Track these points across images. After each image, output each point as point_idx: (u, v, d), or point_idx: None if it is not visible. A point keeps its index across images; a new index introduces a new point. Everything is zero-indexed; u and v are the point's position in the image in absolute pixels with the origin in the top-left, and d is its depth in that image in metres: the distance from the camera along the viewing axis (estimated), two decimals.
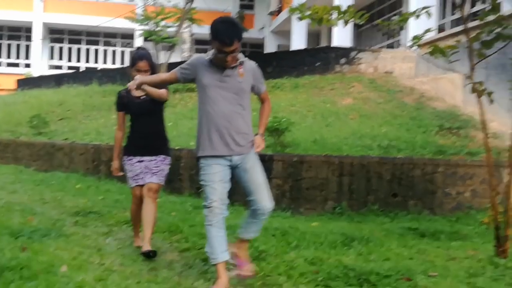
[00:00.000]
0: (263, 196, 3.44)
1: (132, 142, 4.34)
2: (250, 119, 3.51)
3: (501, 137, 8.00)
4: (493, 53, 4.38)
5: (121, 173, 4.39)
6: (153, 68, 4.29)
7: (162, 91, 4.14)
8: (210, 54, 3.38)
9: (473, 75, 4.37)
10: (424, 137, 7.89)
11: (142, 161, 4.28)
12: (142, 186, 4.27)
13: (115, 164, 4.42)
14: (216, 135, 3.36)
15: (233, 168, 3.45)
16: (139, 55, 4.27)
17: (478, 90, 4.28)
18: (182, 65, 3.52)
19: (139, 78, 3.77)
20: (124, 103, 4.34)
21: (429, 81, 11.00)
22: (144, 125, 4.28)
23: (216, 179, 3.35)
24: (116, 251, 4.25)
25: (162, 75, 3.83)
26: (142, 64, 4.21)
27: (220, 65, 3.34)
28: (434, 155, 7.08)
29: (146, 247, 4.01)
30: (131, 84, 3.70)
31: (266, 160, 6.68)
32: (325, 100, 10.24)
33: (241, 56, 3.40)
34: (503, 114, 8.59)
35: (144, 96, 4.23)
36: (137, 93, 4.11)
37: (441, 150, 7.24)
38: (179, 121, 10.25)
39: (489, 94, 4.33)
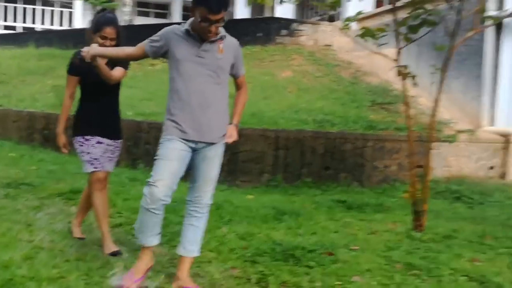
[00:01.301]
0: (207, 193, 3.06)
1: (88, 119, 3.63)
2: (227, 103, 3.03)
3: (427, 113, 8.35)
4: (419, 38, 4.52)
5: (69, 148, 3.70)
6: (119, 37, 3.61)
7: (116, 73, 3.53)
8: (186, 24, 2.91)
9: (399, 58, 4.51)
10: (357, 112, 8.11)
11: (101, 143, 3.64)
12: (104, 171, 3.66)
13: (61, 138, 3.68)
14: (188, 116, 2.89)
15: (192, 151, 2.98)
16: (106, 20, 3.59)
17: (402, 73, 4.43)
18: (152, 37, 2.99)
19: (95, 48, 3.19)
20: (81, 68, 3.54)
21: (365, 55, 11.20)
22: (103, 100, 3.65)
23: (172, 157, 2.88)
24: (47, 227, 4.14)
25: (127, 49, 3.16)
26: (110, 31, 3.54)
27: (200, 36, 2.86)
28: (365, 130, 7.31)
29: (113, 247, 3.59)
30: (85, 52, 3.12)
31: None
32: (265, 72, 10.26)
33: (222, 30, 2.94)
34: (432, 89, 8.92)
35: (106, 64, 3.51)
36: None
37: (371, 125, 7.48)
38: None
39: (413, 77, 4.49)
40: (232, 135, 3.01)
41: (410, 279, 3.33)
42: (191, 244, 3.08)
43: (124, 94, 9.58)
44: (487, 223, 5.03)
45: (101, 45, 3.41)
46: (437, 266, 3.56)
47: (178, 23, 3.14)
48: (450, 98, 8.65)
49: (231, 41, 3.01)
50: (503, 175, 7.41)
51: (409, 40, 4.55)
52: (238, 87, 3.19)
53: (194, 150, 2.95)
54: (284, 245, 3.78)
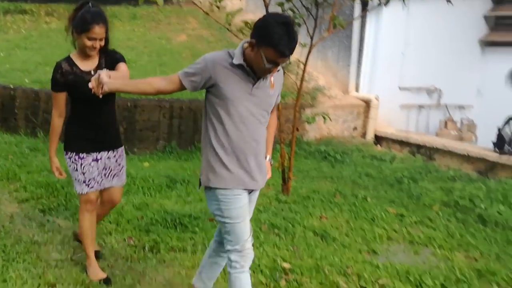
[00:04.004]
0: (250, 241, 2.65)
1: (82, 135, 3.09)
2: None
3: (309, 81, 9.25)
4: None
5: (64, 174, 3.20)
6: (107, 35, 3.00)
7: (124, 73, 2.97)
8: (236, 56, 2.42)
9: None
10: None
11: (98, 159, 3.14)
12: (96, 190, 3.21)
13: (54, 162, 3.15)
14: (244, 165, 2.52)
15: None
16: (93, 16, 2.90)
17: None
18: (190, 69, 2.46)
19: (111, 82, 2.48)
20: (69, 81, 2.98)
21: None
22: (98, 112, 3.06)
23: (245, 214, 2.55)
24: None
25: (155, 82, 2.51)
26: (99, 30, 2.90)
27: (258, 73, 2.42)
28: None
29: (100, 273, 3.24)
30: (95, 86, 2.50)
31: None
32: (161, 36, 10.48)
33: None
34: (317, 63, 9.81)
35: (94, 72, 2.98)
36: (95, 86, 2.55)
37: None
38: (11, 51, 9.66)
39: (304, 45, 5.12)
40: (268, 172, 2.77)
41: (271, 237, 4.17)
42: (210, 281, 2.92)
43: (20, 58, 9.38)
44: (341, 182, 6.05)
45: (88, 47, 2.93)
46: (293, 225, 4.44)
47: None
48: (326, 65, 9.61)
49: (279, 72, 2.62)
50: (363, 135, 8.60)
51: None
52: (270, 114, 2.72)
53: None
54: (174, 214, 4.43)
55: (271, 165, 2.80)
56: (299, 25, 5.01)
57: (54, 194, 4.84)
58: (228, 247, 2.55)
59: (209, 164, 2.53)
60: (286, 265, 3.60)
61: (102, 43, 2.95)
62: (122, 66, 3.00)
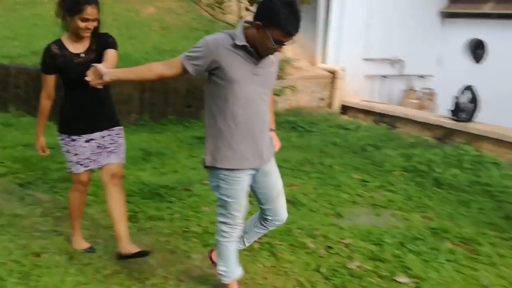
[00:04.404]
0: (282, 205, 2.80)
1: (74, 118, 3.08)
2: None
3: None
4: None
5: (48, 152, 3.27)
6: (99, 16, 2.97)
7: (112, 60, 2.92)
8: (237, 37, 2.41)
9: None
10: None
11: (91, 139, 3.11)
12: (91, 170, 3.22)
13: (40, 140, 3.20)
14: (250, 144, 2.54)
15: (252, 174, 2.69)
16: None
17: None
18: (192, 52, 2.42)
19: (109, 71, 2.52)
20: (58, 64, 2.97)
21: None
22: (89, 94, 2.94)
23: (243, 194, 2.64)
24: None
25: (156, 68, 2.49)
26: (92, 10, 2.86)
27: (257, 51, 2.42)
28: None
29: (133, 247, 3.12)
30: (93, 78, 2.52)
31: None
32: (129, 8, 10.35)
33: None
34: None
35: (84, 54, 2.98)
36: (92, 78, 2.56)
37: None
38: None
39: None
40: (276, 143, 2.84)
41: None
42: (249, 243, 3.03)
43: None
44: (309, 151, 6.30)
45: (82, 29, 2.89)
46: None
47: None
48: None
49: None
50: (330, 105, 8.86)
51: (248, 10, 5.36)
52: None
53: (254, 173, 2.67)
54: (150, 185, 4.60)
55: (275, 133, 2.84)
56: None
57: (31, 169, 4.93)
58: (220, 218, 2.68)
59: (215, 146, 2.53)
60: None
61: (96, 24, 2.93)
62: (110, 52, 2.95)
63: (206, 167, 2.63)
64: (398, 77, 9.47)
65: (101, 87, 2.56)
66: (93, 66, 2.55)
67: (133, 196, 4.38)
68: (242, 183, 2.59)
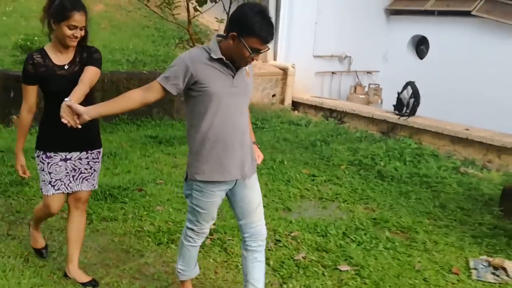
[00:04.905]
0: (258, 220, 2.72)
1: (51, 133, 2.87)
2: None
3: None
4: (207, 10, 5.47)
5: (28, 174, 3.02)
6: (86, 26, 2.81)
7: (89, 77, 2.75)
8: (212, 51, 2.44)
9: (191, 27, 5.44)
10: (166, 50, 8.90)
11: (68, 159, 2.92)
12: (62, 194, 3.00)
13: (19, 159, 2.97)
14: (231, 156, 2.55)
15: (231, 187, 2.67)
16: (72, 3, 2.72)
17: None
18: (169, 73, 2.43)
19: (88, 109, 2.39)
20: (40, 74, 2.79)
21: None
22: None
23: (215, 207, 2.67)
24: None
25: (135, 96, 2.46)
26: (80, 18, 2.70)
27: (239, 64, 2.48)
28: None
29: (84, 277, 3.09)
30: (70, 118, 2.38)
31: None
32: None
33: None
34: None
35: (67, 66, 2.82)
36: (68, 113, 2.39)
37: None
38: None
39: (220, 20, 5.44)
40: (259, 155, 2.82)
41: None
42: (260, 282, 2.81)
43: None
44: (261, 147, 6.46)
45: (69, 37, 2.73)
46: None
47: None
48: None
49: None
50: (282, 101, 9.12)
51: (197, 11, 5.50)
52: None
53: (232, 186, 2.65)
54: (104, 186, 4.66)
55: (258, 147, 2.84)
56: (216, 2, 5.30)
57: None
58: (188, 224, 2.74)
59: (195, 158, 2.56)
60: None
61: (83, 32, 2.76)
62: (90, 71, 2.77)
63: (186, 179, 2.66)
64: (346, 73, 9.84)
65: (80, 126, 2.40)
66: (67, 105, 2.37)
67: None
68: (215, 197, 2.61)
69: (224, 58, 2.44)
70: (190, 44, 9.51)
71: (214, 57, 2.43)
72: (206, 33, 9.98)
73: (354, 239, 4.00)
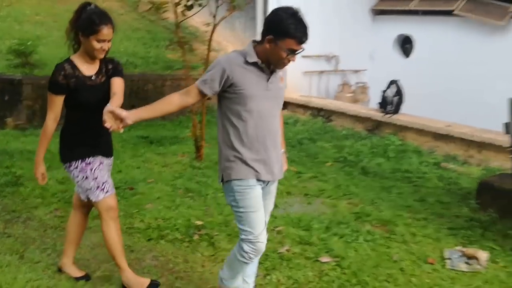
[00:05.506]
0: (264, 228, 2.74)
1: (82, 141, 2.95)
2: None
3: (219, 50, 9.70)
4: (192, 14, 5.62)
5: (46, 180, 3.10)
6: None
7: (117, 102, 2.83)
8: (248, 54, 2.55)
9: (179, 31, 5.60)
10: (156, 52, 9.05)
11: (102, 163, 3.03)
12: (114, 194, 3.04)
13: (40, 167, 3.03)
14: (263, 158, 2.63)
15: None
16: (101, 17, 2.80)
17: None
18: (206, 76, 2.54)
19: (130, 113, 2.50)
20: (70, 85, 2.85)
21: None
22: (96, 117, 2.67)
23: (259, 206, 2.64)
24: None
25: (175, 99, 2.59)
26: (108, 31, 2.80)
27: (276, 66, 2.58)
28: (163, 70, 8.38)
29: (77, 272, 3.25)
30: (114, 123, 2.49)
31: (15, 84, 7.05)
32: (70, 8, 10.06)
33: None
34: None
35: (94, 76, 2.93)
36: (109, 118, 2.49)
37: (169, 65, 8.55)
38: None
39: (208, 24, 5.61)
40: (285, 165, 2.91)
41: (186, 200, 4.73)
42: (251, 278, 3.00)
43: None
44: None
45: (98, 50, 2.84)
46: (205, 188, 5.02)
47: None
48: (234, 35, 10.09)
49: None
50: None
51: (185, 15, 5.66)
52: None
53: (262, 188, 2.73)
54: None
55: (286, 157, 2.92)
56: (200, 5, 5.47)
57: None
58: (242, 236, 2.64)
59: (229, 160, 2.61)
60: (199, 223, 4.18)
61: (110, 45, 2.87)
62: (118, 82, 2.93)
63: (222, 182, 2.69)
64: (334, 73, 10.01)
65: (122, 131, 2.54)
66: (109, 110, 2.48)
67: None
68: (256, 191, 2.62)
69: (260, 62, 2.54)
70: (180, 46, 9.69)
71: (250, 61, 2.54)
72: (195, 34, 10.13)
73: (336, 232, 4.16)
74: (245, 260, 2.68)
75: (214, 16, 5.64)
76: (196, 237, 3.95)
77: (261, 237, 2.64)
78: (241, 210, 2.62)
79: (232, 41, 10.07)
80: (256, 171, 2.60)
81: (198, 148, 5.90)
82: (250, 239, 2.62)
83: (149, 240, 3.90)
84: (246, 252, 2.65)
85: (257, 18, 9.50)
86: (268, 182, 2.71)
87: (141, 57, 8.58)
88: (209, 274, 3.47)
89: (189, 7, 5.54)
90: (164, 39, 9.60)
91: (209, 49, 5.87)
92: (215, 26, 5.70)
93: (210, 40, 5.84)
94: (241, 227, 2.65)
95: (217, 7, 5.64)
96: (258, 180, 2.63)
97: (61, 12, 10.18)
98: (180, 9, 5.64)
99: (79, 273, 3.26)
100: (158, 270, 3.48)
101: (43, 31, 8.99)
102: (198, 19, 9.08)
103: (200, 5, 5.51)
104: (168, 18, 6.15)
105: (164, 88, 8.01)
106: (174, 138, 6.93)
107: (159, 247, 3.81)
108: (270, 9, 9.27)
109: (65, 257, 3.29)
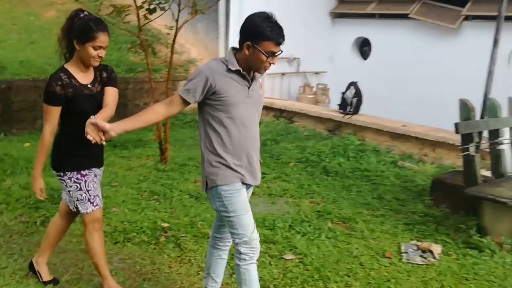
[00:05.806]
0: (255, 226, 2.78)
1: (79, 152, 2.89)
2: None
3: (181, 53, 9.73)
4: (155, 18, 5.66)
5: (45, 195, 3.03)
6: None
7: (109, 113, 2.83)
8: (230, 62, 2.58)
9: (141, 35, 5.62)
10: (119, 54, 8.98)
11: (95, 175, 3.03)
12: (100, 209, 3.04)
13: (39, 182, 2.94)
14: (246, 163, 2.68)
15: None
16: (97, 24, 2.77)
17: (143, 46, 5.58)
18: (189, 85, 2.56)
19: (114, 125, 2.50)
20: (68, 95, 2.80)
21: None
22: None
23: (248, 207, 2.70)
24: None
25: (159, 109, 2.62)
26: (104, 38, 2.79)
27: (258, 71, 2.63)
28: (126, 73, 8.33)
29: (47, 276, 3.27)
30: (96, 135, 2.48)
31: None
32: (29, 12, 10.11)
33: None
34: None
35: (90, 85, 2.90)
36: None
37: (132, 68, 8.52)
38: None
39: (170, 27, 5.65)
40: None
41: (152, 203, 4.77)
42: (220, 277, 3.09)
43: None
44: None
45: (93, 57, 2.82)
46: (171, 190, 5.08)
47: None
48: (197, 38, 10.13)
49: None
50: None
51: (148, 19, 5.69)
52: None
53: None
54: (60, 190, 4.75)
55: (260, 163, 2.91)
56: (163, 9, 5.52)
57: None
58: (236, 240, 2.67)
59: (212, 166, 2.63)
60: (165, 225, 4.24)
61: (105, 52, 2.84)
62: (112, 92, 2.92)
63: (207, 189, 2.71)
64: (295, 74, 10.22)
65: (105, 143, 2.52)
66: (92, 122, 2.45)
67: (43, 202, 4.55)
68: (242, 193, 2.67)
69: (241, 70, 2.59)
70: (142, 48, 9.66)
71: (232, 68, 2.58)
72: (158, 37, 10.11)
73: (299, 230, 4.32)
74: (248, 262, 2.70)
75: (177, 20, 5.70)
76: (162, 239, 4.01)
77: (254, 235, 2.70)
78: (232, 214, 2.64)
79: (194, 44, 10.11)
80: (241, 174, 2.65)
81: (162, 151, 5.94)
82: (245, 240, 2.66)
83: (115, 243, 3.93)
84: (245, 254, 2.69)
85: (219, 21, 9.58)
86: (249, 186, 2.78)
87: (103, 60, 8.44)
88: (176, 275, 3.55)
89: (152, 11, 5.58)
90: (126, 42, 9.50)
91: (172, 52, 5.92)
92: (177, 30, 5.76)
93: (173, 44, 5.90)
94: (233, 231, 2.68)
95: (179, 11, 5.70)
96: (243, 183, 2.68)
97: (20, 15, 9.97)
98: (142, 12, 5.66)
99: (48, 277, 3.28)
100: (125, 272, 3.53)
101: (2, 34, 8.78)
102: (160, 22, 9.09)
103: (162, 8, 5.55)
104: (130, 21, 6.13)
105: (127, 91, 7.98)
106: (138, 141, 6.93)
107: (126, 249, 3.85)
108: (232, 12, 9.39)
109: (40, 256, 3.29)
